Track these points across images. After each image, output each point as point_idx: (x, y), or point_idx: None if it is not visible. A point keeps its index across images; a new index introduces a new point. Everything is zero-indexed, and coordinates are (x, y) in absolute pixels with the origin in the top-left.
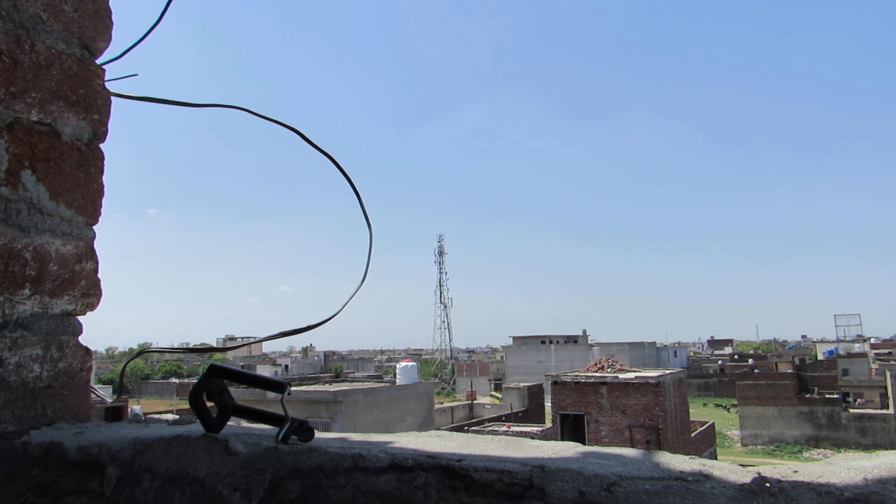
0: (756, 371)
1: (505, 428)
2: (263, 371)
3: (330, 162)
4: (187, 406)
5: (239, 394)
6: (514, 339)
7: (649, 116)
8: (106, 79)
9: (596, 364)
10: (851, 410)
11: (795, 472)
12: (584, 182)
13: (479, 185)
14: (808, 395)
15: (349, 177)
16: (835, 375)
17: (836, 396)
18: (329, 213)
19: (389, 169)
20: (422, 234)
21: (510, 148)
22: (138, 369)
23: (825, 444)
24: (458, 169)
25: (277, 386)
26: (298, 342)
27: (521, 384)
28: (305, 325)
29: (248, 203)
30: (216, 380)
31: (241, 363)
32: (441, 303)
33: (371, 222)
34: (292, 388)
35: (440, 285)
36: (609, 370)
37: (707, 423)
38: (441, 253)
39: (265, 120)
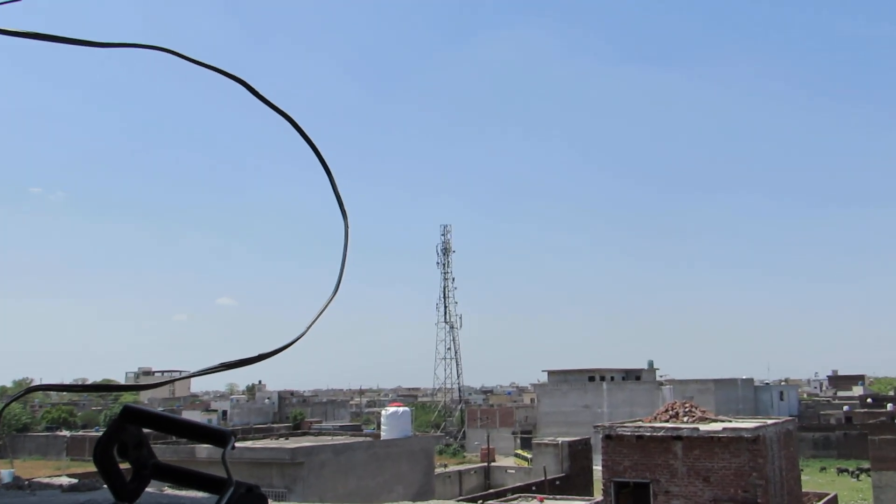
0: None
1: (536, 503)
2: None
3: (289, 125)
4: (81, 469)
5: (158, 450)
6: (550, 374)
7: (751, 63)
8: None
9: (667, 410)
10: None
11: None
12: (651, 156)
13: (499, 157)
14: None
15: (315, 145)
16: None
17: None
18: (288, 196)
19: (372, 136)
20: (419, 225)
21: (544, 105)
22: (13, 417)
23: None
24: (470, 137)
25: (217, 437)
26: (243, 378)
27: (560, 439)
28: (255, 355)
29: (176, 181)
30: (132, 428)
31: (161, 407)
32: (446, 322)
33: (346, 209)
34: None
35: (444, 297)
36: (686, 419)
37: (827, 495)
38: (446, 251)
39: (199, 66)
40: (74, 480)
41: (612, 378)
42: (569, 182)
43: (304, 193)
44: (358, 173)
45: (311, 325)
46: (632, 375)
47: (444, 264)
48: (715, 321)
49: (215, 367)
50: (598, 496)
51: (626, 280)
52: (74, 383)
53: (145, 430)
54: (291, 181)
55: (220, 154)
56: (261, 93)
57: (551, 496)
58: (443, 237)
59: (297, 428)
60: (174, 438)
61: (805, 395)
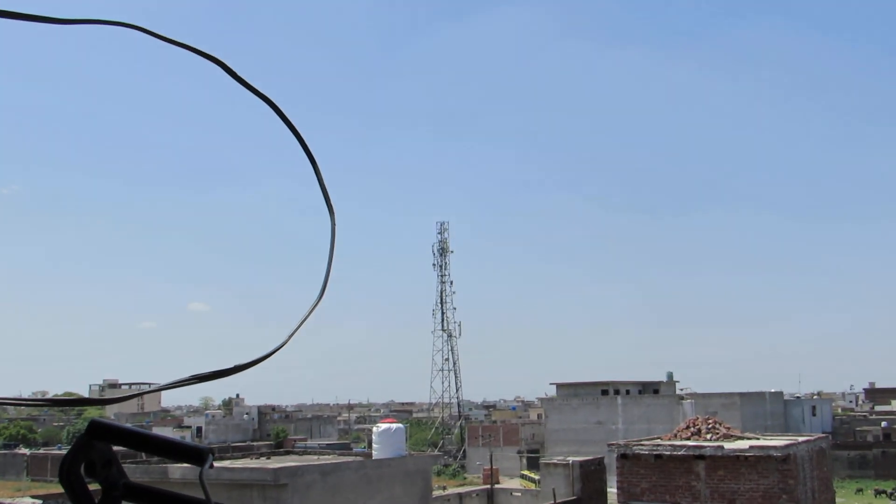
0: None
1: None
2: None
3: (270, 110)
4: (44, 490)
5: (128, 469)
6: (559, 387)
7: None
8: None
9: (688, 427)
10: None
11: None
12: (674, 131)
13: (501, 148)
14: None
15: (298, 132)
16: None
17: None
18: (268, 189)
19: (360, 123)
20: (413, 222)
21: (556, 78)
22: None
23: None
24: (468, 124)
25: (194, 455)
26: (218, 392)
27: (570, 458)
28: (232, 366)
29: (142, 169)
30: (100, 445)
31: (129, 423)
32: (444, 330)
33: (333, 204)
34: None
35: (442, 302)
36: (709, 436)
37: None
38: (443, 251)
39: (172, 45)
40: (38, 502)
41: (628, 391)
42: (577, 175)
43: (286, 189)
44: (344, 164)
45: (293, 333)
46: (649, 388)
47: (441, 266)
48: (740, 329)
49: (188, 380)
50: None
51: (642, 284)
52: (33, 397)
53: (115, 448)
54: (273, 175)
55: (192, 145)
56: (240, 75)
57: None
58: (439, 235)
59: (280, 446)
60: (146, 456)
61: (839, 410)
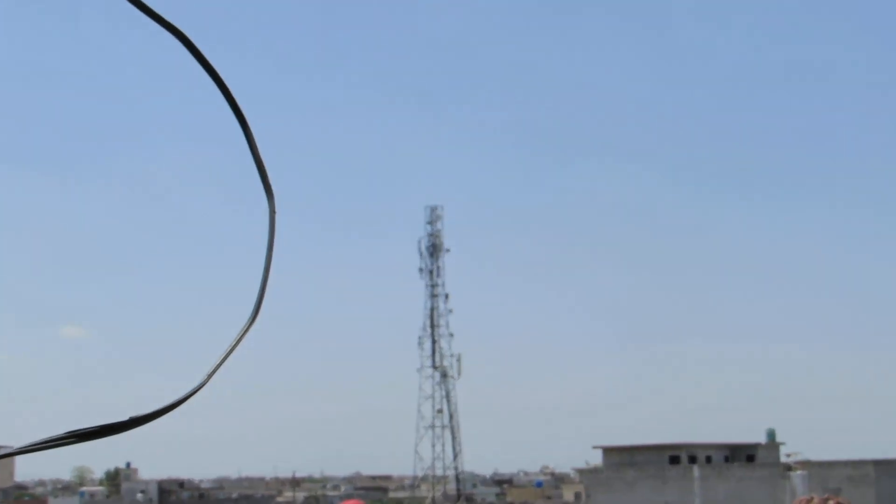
0: None
1: None
2: None
3: (184, 48)
4: None
5: None
6: (608, 451)
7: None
8: None
9: None
10: None
11: None
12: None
13: (515, 101)
14: None
15: (221, 79)
16: None
17: None
18: (170, 165)
19: (321, 67)
20: (388, 206)
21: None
22: None
23: None
24: (465, 77)
25: None
26: (101, 459)
27: None
28: (127, 419)
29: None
30: None
31: None
32: (435, 367)
33: (273, 187)
34: None
35: (432, 325)
36: None
37: None
38: (435, 250)
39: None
40: None
41: (709, 458)
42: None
43: (196, 164)
44: (295, 132)
45: (215, 370)
46: (741, 454)
47: (431, 272)
48: (871, 370)
49: (60, 439)
50: None
51: (724, 305)
52: None
53: None
54: (177, 144)
55: (63, 111)
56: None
57: None
58: (429, 227)
59: None
60: None
61: None
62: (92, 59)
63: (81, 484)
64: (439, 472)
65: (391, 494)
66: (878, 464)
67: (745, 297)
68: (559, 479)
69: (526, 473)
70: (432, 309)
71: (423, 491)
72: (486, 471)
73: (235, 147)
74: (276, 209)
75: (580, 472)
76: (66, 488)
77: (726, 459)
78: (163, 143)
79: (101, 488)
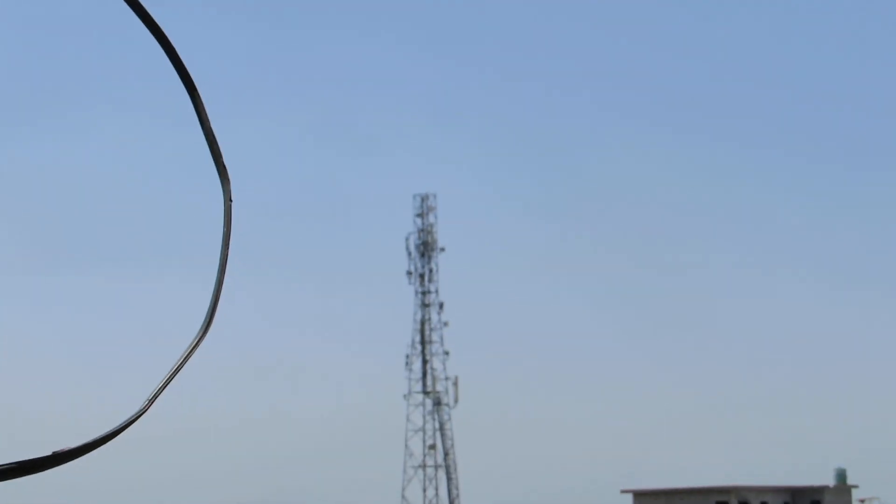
0: None
1: None
2: None
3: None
4: None
5: None
6: (638, 496)
7: None
8: None
9: None
10: None
11: None
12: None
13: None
14: None
15: (167, 38)
16: None
17: None
18: (106, 141)
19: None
20: (368, 192)
21: None
22: None
23: None
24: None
25: None
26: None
27: None
28: (49, 454)
29: None
30: None
31: None
32: (426, 392)
33: (227, 166)
34: None
35: (423, 342)
36: None
37: None
38: (426, 248)
39: None
40: None
41: None
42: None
43: (138, 140)
44: (257, 102)
45: (158, 393)
46: (804, 498)
47: (422, 275)
48: None
49: None
50: None
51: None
52: None
53: None
54: (115, 117)
55: None
56: None
57: None
58: (419, 220)
59: None
60: None
61: None
62: None
63: None
64: None
65: None
66: None
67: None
68: None
69: None
70: (423, 321)
71: None
72: None
73: (185, 119)
74: (231, 194)
75: None
76: None
77: None
78: (94, 116)
79: None
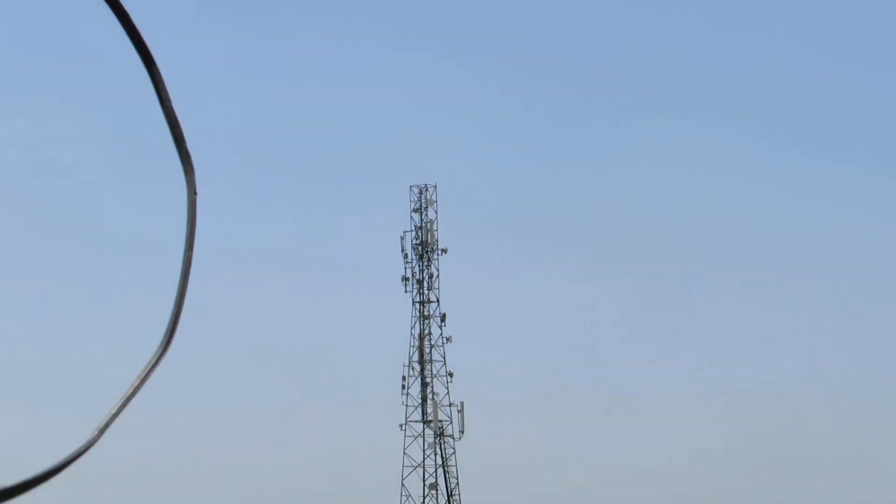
0: None
1: None
2: None
3: None
4: None
5: None
6: None
7: None
8: None
9: None
10: None
11: None
12: None
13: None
14: None
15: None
16: None
17: None
18: (40, 123)
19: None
20: (357, 186)
21: None
22: None
23: None
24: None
25: None
26: None
27: None
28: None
29: None
30: None
31: None
32: (425, 421)
33: (191, 152)
34: None
35: (423, 361)
36: None
37: None
38: (424, 249)
39: None
40: None
41: None
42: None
43: (78, 123)
44: (223, 70)
45: (110, 422)
46: None
47: (420, 281)
48: None
49: None
50: None
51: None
52: None
53: None
54: (51, 96)
55: None
56: None
57: None
58: (417, 216)
59: None
60: None
61: None
62: None
63: None
64: None
65: None
66: None
67: None
68: None
69: None
70: (422, 336)
71: None
72: None
73: (143, 100)
74: (196, 187)
75: None
76: None
77: None
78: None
79: None
